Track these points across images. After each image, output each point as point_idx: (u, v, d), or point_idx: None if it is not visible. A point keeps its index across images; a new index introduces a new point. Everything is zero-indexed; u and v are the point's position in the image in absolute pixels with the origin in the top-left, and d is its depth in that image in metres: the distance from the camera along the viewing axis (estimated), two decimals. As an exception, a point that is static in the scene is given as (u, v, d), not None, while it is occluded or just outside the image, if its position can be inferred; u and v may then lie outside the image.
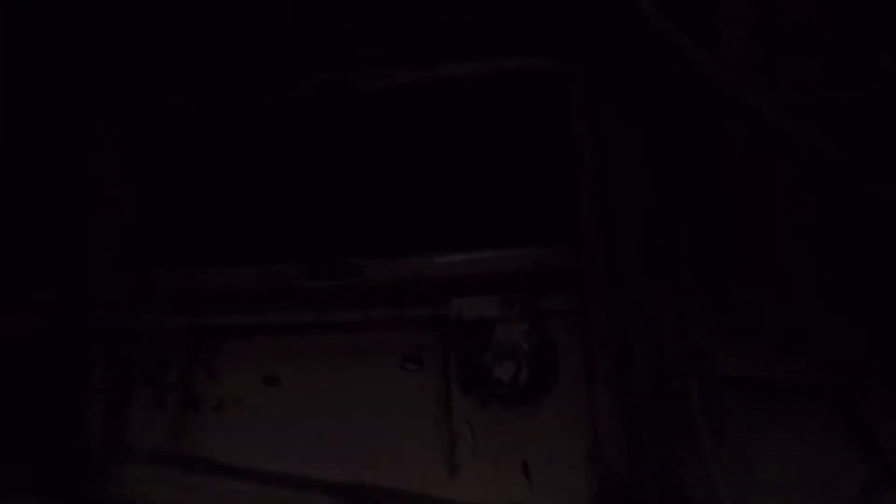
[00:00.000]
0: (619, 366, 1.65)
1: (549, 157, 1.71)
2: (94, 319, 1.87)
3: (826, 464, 1.54)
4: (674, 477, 1.57)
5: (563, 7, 1.63)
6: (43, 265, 1.85)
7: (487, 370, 1.63)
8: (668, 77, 1.53)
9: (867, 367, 1.54)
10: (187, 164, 1.88)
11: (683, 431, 1.61)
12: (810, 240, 1.53)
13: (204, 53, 1.76)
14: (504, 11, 1.69)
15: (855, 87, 1.33)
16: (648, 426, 1.61)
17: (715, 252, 1.60)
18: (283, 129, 1.79)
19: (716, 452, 1.57)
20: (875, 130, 1.37)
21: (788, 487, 1.57)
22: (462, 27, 1.71)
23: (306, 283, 1.80)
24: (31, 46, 1.70)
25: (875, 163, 1.27)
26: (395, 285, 1.78)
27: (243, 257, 1.82)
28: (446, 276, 1.75)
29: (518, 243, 1.72)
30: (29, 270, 1.87)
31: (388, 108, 1.73)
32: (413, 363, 1.80)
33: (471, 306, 1.67)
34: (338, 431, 1.82)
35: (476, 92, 1.74)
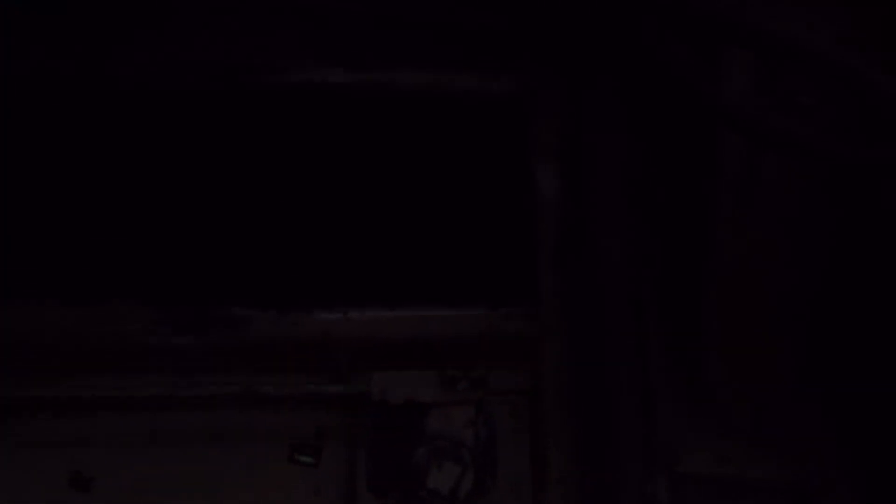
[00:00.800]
0: (578, 461, 1.19)
1: (505, 197, 1.29)
2: None
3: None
4: None
5: (537, 18, 1.15)
6: None
7: (418, 473, 1.17)
8: (663, 116, 1.10)
9: (836, 464, 1.34)
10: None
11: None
12: (788, 325, 1.31)
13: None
14: (461, 14, 1.14)
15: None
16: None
17: (689, 335, 1.28)
18: (142, 117, 1.11)
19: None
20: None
21: None
22: (412, 27, 1.27)
23: (158, 337, 1.21)
24: None
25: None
26: (290, 348, 1.25)
27: (59, 293, 1.15)
28: (365, 339, 1.27)
29: (458, 303, 1.24)
30: None
31: (304, 110, 1.24)
32: (307, 455, 1.26)
33: (399, 384, 1.22)
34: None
35: (417, 108, 1.32)
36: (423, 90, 1.25)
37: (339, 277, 1.25)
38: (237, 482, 1.17)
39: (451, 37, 1.28)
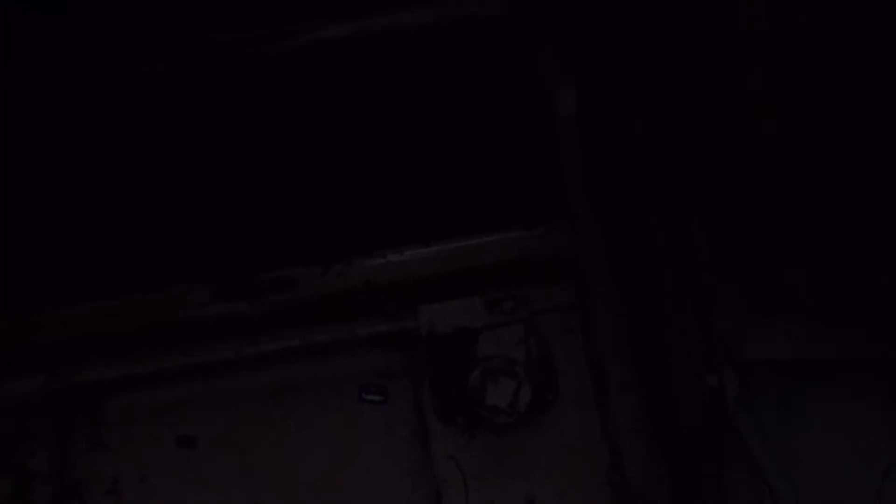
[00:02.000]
0: (637, 367, 1.14)
1: (525, 122, 1.22)
2: None
3: (877, 443, 1.14)
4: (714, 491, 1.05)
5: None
6: None
7: (476, 394, 1.11)
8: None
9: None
10: (30, 163, 1.15)
11: (721, 432, 1.12)
12: (842, 194, 1.09)
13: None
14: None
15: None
16: (679, 434, 1.09)
17: (735, 220, 1.14)
18: (164, 111, 1.16)
19: (762, 451, 1.14)
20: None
21: (836, 474, 1.17)
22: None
23: (217, 308, 1.18)
24: None
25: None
26: (339, 299, 1.19)
27: (120, 286, 1.17)
28: (407, 279, 1.20)
29: (493, 228, 1.17)
30: None
31: (309, 74, 1.18)
32: (375, 394, 1.24)
33: (445, 314, 1.16)
34: (286, 495, 1.20)
35: (421, 47, 1.20)
36: (426, 27, 1.10)
37: (375, 224, 1.17)
38: (314, 428, 1.17)
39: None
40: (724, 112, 1.02)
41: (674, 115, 1.07)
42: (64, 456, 1.17)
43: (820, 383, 1.16)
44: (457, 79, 1.17)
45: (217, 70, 1.07)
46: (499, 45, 1.13)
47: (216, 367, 1.14)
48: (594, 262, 1.11)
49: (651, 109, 1.04)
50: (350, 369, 1.17)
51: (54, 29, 0.99)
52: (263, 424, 1.16)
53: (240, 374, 1.14)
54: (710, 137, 1.06)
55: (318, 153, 1.18)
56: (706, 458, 1.05)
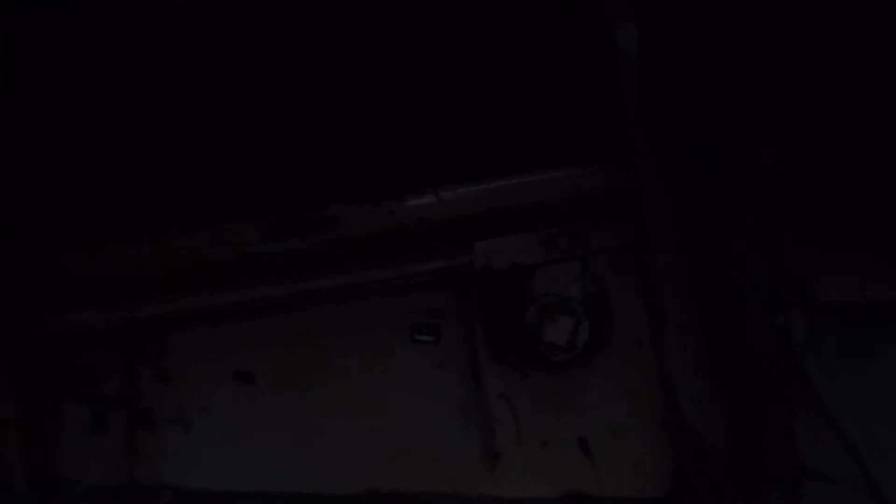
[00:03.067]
0: (696, 307, 1.03)
1: (577, 49, 1.07)
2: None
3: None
4: (784, 438, 0.97)
5: None
6: None
7: (533, 332, 1.04)
8: None
9: None
10: (83, 108, 1.12)
11: (787, 378, 1.01)
12: None
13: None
14: None
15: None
16: (742, 376, 0.99)
17: (815, 143, 0.99)
18: (208, 46, 1.08)
19: (831, 395, 1.00)
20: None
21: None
22: None
23: (269, 246, 1.09)
24: None
25: None
26: (390, 235, 1.10)
27: (178, 223, 1.10)
28: (460, 216, 1.09)
29: (546, 164, 1.05)
30: None
31: (350, 9, 1.07)
32: (427, 334, 1.15)
33: (500, 250, 1.06)
34: (338, 431, 1.14)
35: None
36: None
37: (427, 161, 1.05)
38: (367, 366, 1.11)
39: None
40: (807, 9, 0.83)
41: (744, 29, 0.88)
42: (132, 385, 1.15)
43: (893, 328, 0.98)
44: (507, 9, 1.00)
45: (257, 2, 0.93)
46: None
47: (270, 304, 1.05)
48: (653, 198, 0.96)
49: (718, 24, 0.86)
50: (402, 308, 1.09)
51: None
52: (317, 361, 1.09)
53: (294, 311, 1.07)
54: (787, 45, 0.87)
55: (368, 90, 1.05)
56: (772, 400, 0.90)
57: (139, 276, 1.09)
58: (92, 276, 1.10)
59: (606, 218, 1.03)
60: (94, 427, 1.14)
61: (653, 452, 1.05)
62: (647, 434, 1.06)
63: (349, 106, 1.09)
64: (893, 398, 1.00)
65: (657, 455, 1.05)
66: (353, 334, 1.10)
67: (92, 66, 1.06)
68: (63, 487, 1.13)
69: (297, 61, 1.06)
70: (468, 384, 1.09)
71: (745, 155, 0.92)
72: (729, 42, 0.91)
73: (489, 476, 1.07)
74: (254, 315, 1.11)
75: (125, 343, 1.13)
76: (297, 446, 1.11)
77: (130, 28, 1.01)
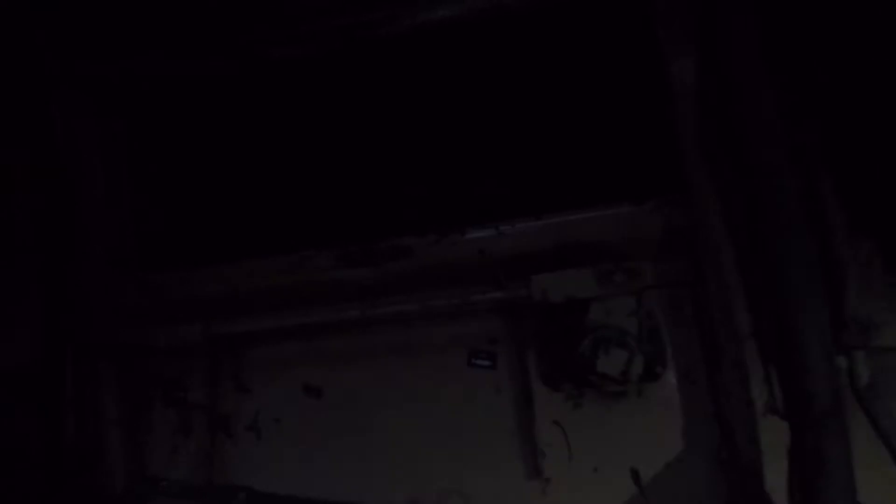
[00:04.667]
0: (753, 345, 0.94)
1: (635, 88, 0.99)
2: (95, 336, 1.12)
3: None
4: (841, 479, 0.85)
5: None
6: (17, 279, 1.08)
7: (586, 362, 0.95)
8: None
9: None
10: (181, 144, 1.16)
11: (847, 415, 0.88)
12: None
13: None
14: None
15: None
16: (800, 415, 0.87)
17: (880, 188, 0.88)
18: (290, 92, 1.09)
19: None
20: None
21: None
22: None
23: (343, 273, 1.06)
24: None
25: None
26: (453, 266, 1.04)
27: (262, 250, 1.09)
28: (518, 249, 1.03)
29: (604, 201, 0.98)
30: (8, 284, 1.07)
31: (420, 52, 1.03)
32: (484, 359, 1.09)
33: (557, 284, 1.00)
34: (397, 447, 1.09)
35: (530, 18, 0.99)
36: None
37: (488, 196, 0.99)
38: (426, 387, 1.07)
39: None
40: (877, 59, 0.72)
41: (807, 76, 0.77)
42: (214, 394, 1.14)
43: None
44: (566, 50, 0.94)
45: (335, 51, 0.90)
46: (609, 12, 0.87)
47: (340, 325, 1.00)
48: (711, 236, 0.85)
49: (780, 69, 0.75)
50: (461, 334, 1.02)
51: (193, 17, 0.86)
52: (380, 380, 1.05)
53: (361, 333, 1.04)
54: (852, 95, 0.76)
55: (432, 128, 0.99)
56: (830, 440, 0.77)
57: (224, 296, 1.08)
58: (183, 296, 1.11)
59: (662, 254, 0.93)
60: (180, 429, 1.11)
61: (705, 487, 0.94)
62: (700, 468, 0.95)
63: (419, 143, 1.04)
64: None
65: (709, 490, 0.94)
66: (414, 357, 1.05)
67: (188, 107, 1.05)
68: (152, 483, 1.09)
69: (371, 102, 1.02)
70: (522, 409, 1.01)
71: (803, 199, 0.81)
72: (792, 85, 0.81)
73: (539, 500, 0.98)
74: (324, 335, 1.09)
75: (208, 355, 1.09)
76: (358, 458, 1.07)
77: (222, 73, 1.00)
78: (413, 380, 1.05)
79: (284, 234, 1.07)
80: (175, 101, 1.05)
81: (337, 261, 1.01)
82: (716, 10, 0.87)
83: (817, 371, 0.83)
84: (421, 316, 1.03)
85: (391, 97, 1.01)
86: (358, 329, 1.06)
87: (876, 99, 0.80)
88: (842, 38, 0.81)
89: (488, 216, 1.00)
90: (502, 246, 0.98)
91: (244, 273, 1.08)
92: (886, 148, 0.80)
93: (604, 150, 0.98)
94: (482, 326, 1.04)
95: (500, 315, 1.02)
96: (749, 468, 0.89)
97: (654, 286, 0.96)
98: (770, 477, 0.85)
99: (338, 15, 0.96)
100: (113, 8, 1.00)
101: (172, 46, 1.00)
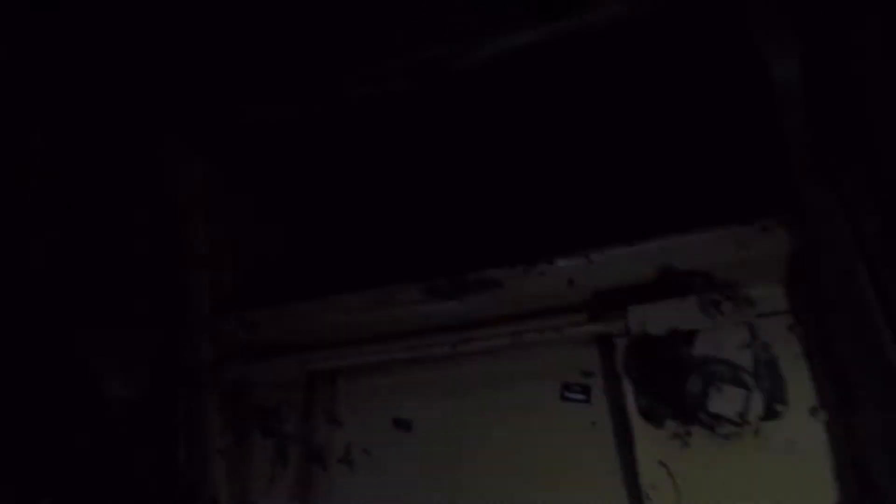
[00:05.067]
0: (889, 378, 0.78)
1: (733, 99, 0.81)
2: (202, 370, 1.15)
3: None
4: None
5: None
6: (137, 317, 1.13)
7: (695, 400, 0.86)
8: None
9: None
10: (277, 190, 1.19)
11: None
12: None
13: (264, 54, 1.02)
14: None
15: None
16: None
17: None
18: (373, 130, 0.94)
19: None
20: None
21: None
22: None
23: (430, 306, 1.03)
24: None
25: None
26: (543, 297, 0.99)
27: (350, 285, 1.08)
28: (611, 279, 0.96)
29: (706, 222, 0.90)
30: (123, 323, 1.13)
31: (502, 82, 0.96)
32: (577, 392, 1.01)
33: (658, 315, 0.91)
34: (488, 482, 1.02)
35: (616, 39, 0.93)
36: (619, 19, 0.81)
37: (577, 224, 0.92)
38: (519, 422, 1.00)
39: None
40: None
41: None
42: (308, 426, 1.14)
43: None
44: (655, 67, 0.85)
45: (416, 87, 0.87)
46: (698, 20, 0.79)
47: (430, 359, 0.95)
48: (837, 257, 0.73)
49: None
50: (554, 365, 0.95)
51: (271, 61, 0.87)
52: (470, 414, 0.99)
53: (451, 366, 0.99)
54: None
55: (516, 156, 0.93)
56: None
57: (316, 331, 1.08)
58: (277, 331, 1.14)
59: (776, 279, 0.81)
60: (278, 460, 1.10)
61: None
62: (831, 514, 0.80)
63: (497, 175, 0.99)
64: None
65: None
66: (504, 390, 1.00)
67: (281, 151, 1.06)
68: (252, 511, 1.09)
69: (454, 134, 0.99)
70: (621, 447, 0.91)
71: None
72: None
73: (644, 546, 0.87)
74: (413, 367, 1.03)
75: (302, 388, 1.10)
76: (446, 493, 1.04)
77: (307, 116, 1.00)
78: (503, 413, 0.99)
79: (372, 268, 1.05)
80: (270, 146, 1.07)
81: (424, 294, 0.98)
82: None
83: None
84: (510, 348, 0.97)
85: (474, 127, 0.97)
86: (450, 362, 1.02)
87: None
88: None
89: (578, 245, 0.93)
90: (593, 275, 0.91)
91: (334, 308, 1.08)
92: None
93: (702, 166, 0.89)
94: (575, 358, 0.97)
95: (595, 346, 0.94)
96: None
97: (769, 314, 0.84)
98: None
99: (416, 50, 0.94)
100: (197, 57, 1.03)
101: (264, 93, 1.02)
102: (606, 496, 0.93)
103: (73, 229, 1.00)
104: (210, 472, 1.10)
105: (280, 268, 1.12)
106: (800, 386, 0.86)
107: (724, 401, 0.80)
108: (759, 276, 0.85)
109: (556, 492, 0.96)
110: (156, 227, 1.11)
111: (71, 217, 0.97)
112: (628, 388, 0.93)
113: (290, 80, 1.01)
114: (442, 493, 1.01)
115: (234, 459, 1.15)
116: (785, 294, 0.85)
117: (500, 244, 0.99)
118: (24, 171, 0.94)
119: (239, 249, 1.17)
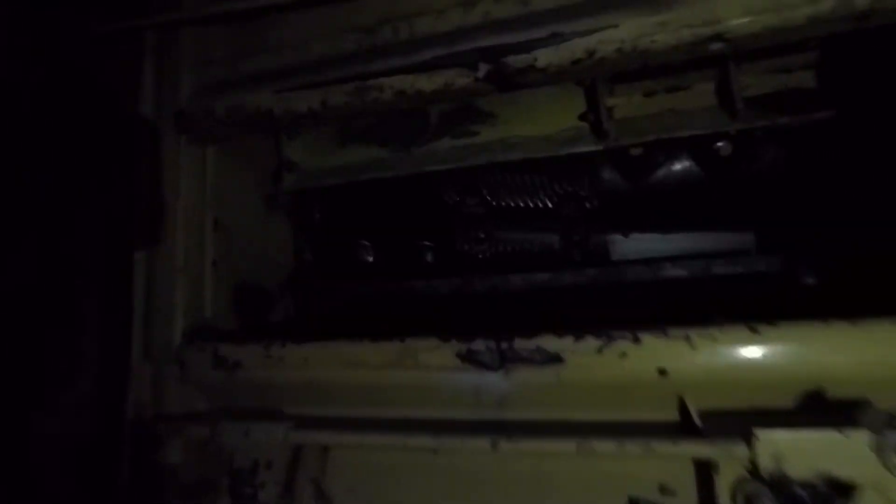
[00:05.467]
0: None
1: None
2: (161, 410, 0.91)
3: None
4: None
5: None
6: (83, 353, 0.89)
7: None
8: None
9: None
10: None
11: None
12: None
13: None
14: None
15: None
16: None
17: None
18: None
19: None
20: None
21: None
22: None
23: (464, 375, 0.81)
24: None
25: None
26: (618, 387, 0.73)
27: (358, 332, 0.77)
28: (723, 375, 0.62)
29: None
30: (67, 360, 0.90)
31: None
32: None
33: (799, 448, 0.54)
34: None
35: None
36: None
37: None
38: None
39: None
40: None
41: None
42: (290, 497, 0.83)
43: None
44: None
45: None
46: None
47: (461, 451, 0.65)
48: None
49: None
50: (622, 473, 0.70)
51: None
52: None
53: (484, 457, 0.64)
54: None
55: None
56: None
57: (308, 383, 0.79)
58: (261, 375, 0.89)
59: None
60: None
61: None
62: None
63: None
64: None
65: None
66: (554, 496, 0.67)
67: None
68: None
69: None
70: None
71: None
72: None
73: None
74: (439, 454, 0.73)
75: (285, 453, 0.80)
76: None
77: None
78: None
79: (388, 316, 0.76)
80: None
81: (458, 358, 0.68)
82: None
83: None
84: (570, 444, 0.66)
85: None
86: (482, 446, 0.72)
87: None
88: None
89: (675, 317, 0.62)
90: (697, 365, 0.59)
91: (336, 358, 0.78)
92: None
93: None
94: (651, 468, 0.66)
95: (679, 461, 0.63)
96: None
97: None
98: None
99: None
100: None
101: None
102: None
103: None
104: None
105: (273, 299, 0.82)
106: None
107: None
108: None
109: None
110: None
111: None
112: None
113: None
114: None
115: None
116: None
117: (567, 307, 0.68)
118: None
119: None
